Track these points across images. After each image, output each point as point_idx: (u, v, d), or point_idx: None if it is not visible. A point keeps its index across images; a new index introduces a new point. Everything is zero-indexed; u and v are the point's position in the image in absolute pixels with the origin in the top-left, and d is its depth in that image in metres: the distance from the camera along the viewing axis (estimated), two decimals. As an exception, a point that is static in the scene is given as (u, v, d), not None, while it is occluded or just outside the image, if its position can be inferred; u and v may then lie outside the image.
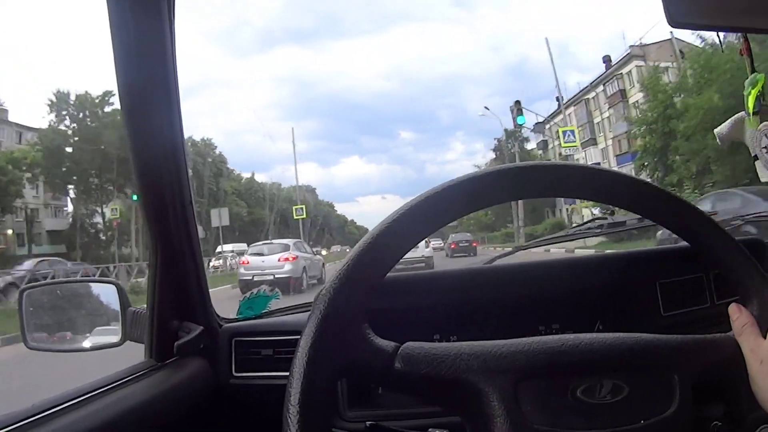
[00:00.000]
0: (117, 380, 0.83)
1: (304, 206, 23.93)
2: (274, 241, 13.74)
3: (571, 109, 30.45)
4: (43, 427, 0.65)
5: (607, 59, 28.39)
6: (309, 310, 0.99)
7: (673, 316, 0.99)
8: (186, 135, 1.00)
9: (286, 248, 12.23)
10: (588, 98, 30.31)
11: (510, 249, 1.28)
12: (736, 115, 1.22)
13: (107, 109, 27.32)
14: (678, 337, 0.61)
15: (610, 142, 28.37)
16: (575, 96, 31.11)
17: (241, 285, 11.26)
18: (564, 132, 20.73)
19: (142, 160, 0.91)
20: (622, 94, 26.58)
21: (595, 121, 29.89)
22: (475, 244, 20.32)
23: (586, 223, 1.33)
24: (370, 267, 0.59)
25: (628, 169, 23.25)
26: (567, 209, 26.18)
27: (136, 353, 0.98)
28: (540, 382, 0.57)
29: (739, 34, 1.02)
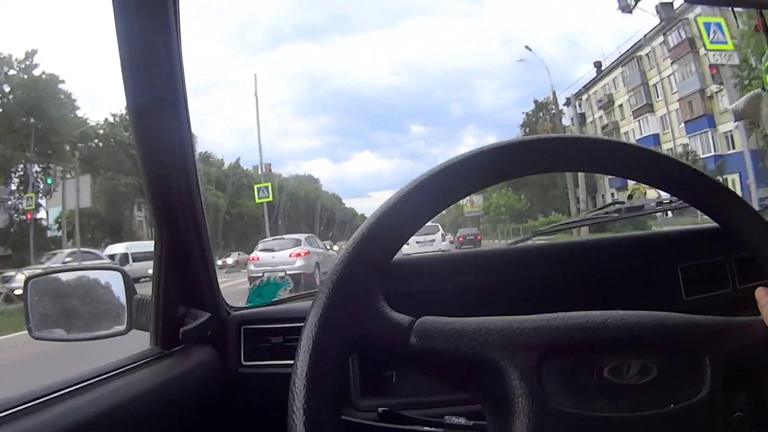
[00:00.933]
0: (120, 367, 0.81)
1: (269, 185, 18.81)
2: (285, 236, 13.44)
3: (617, 72, 25.99)
4: (44, 412, 0.63)
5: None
6: None
7: (695, 300, 0.97)
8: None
9: (298, 243, 11.90)
10: (640, 55, 23.97)
11: (525, 236, 1.24)
12: (752, 92, 1.18)
13: (35, 72, 22.66)
14: (708, 318, 0.58)
15: (675, 105, 22.14)
16: (623, 55, 25.15)
17: (251, 282, 10.72)
18: (707, 26, 14.48)
19: (146, 141, 0.88)
20: (691, 43, 19.84)
21: (651, 82, 23.87)
22: (479, 238, 21.18)
23: (604, 207, 1.29)
24: (384, 237, 0.55)
25: (707, 137, 19.66)
26: (613, 194, 23.24)
27: (144, 343, 0.96)
28: (565, 360, 0.53)
29: (755, 10, 0.99)
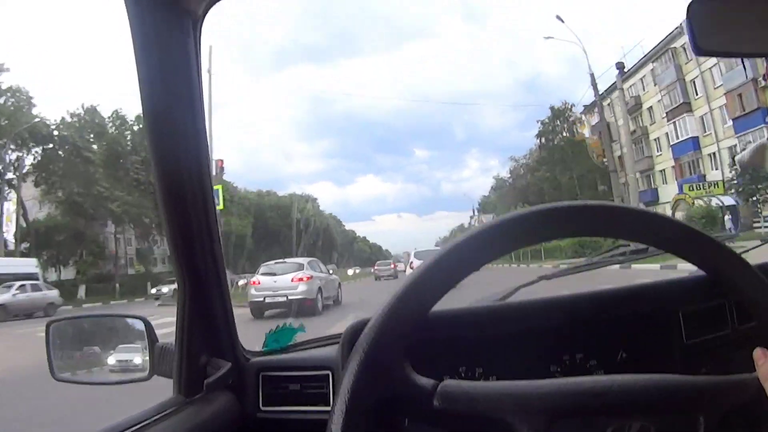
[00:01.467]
0: (147, 418, 0.84)
1: (220, 187, 15.87)
2: (287, 260, 13.26)
3: (645, 70, 24.36)
4: None
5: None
6: (336, 343, 1.01)
7: (694, 343, 0.99)
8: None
9: (300, 267, 11.65)
10: (675, 47, 21.16)
11: (533, 279, 1.27)
12: (758, 142, 1.22)
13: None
14: (704, 378, 0.63)
15: (720, 101, 19.32)
16: (655, 48, 22.61)
17: (252, 307, 10.71)
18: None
19: (170, 194, 0.91)
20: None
21: (689, 77, 21.29)
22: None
23: (610, 250, 1.32)
24: (412, 306, 0.62)
25: (761, 134, 16.14)
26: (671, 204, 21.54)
27: (161, 387, 0.99)
28: (572, 422, 0.59)
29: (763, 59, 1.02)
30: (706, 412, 0.59)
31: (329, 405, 0.98)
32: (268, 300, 10.92)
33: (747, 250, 1.25)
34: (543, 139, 34.41)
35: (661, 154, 26.07)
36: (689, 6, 0.95)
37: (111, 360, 1.05)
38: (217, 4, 0.89)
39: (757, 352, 0.62)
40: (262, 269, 12.32)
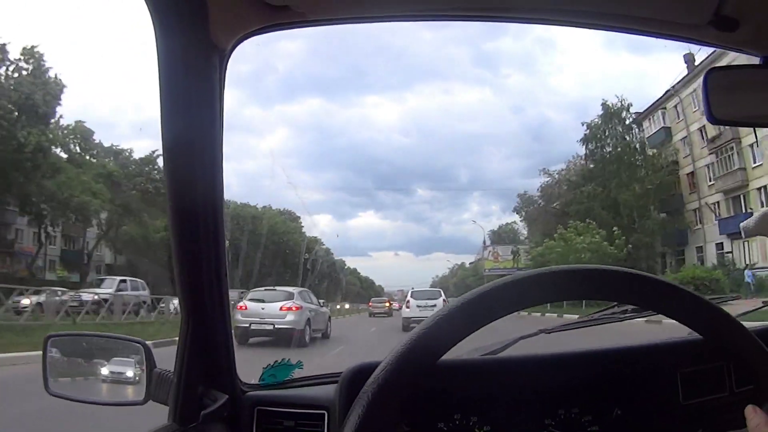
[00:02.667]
0: None
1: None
2: (277, 288, 13.09)
3: (726, 59, 18.67)
4: None
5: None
6: (332, 382, 1.01)
7: (691, 405, 0.99)
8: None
9: (290, 297, 11.51)
10: None
11: (533, 332, 1.27)
12: (763, 210, 1.25)
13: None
14: None
15: None
16: None
17: (237, 333, 10.25)
18: None
19: (182, 223, 0.92)
20: None
21: None
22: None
23: (610, 308, 1.32)
24: (422, 355, 0.63)
25: None
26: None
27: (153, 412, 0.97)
28: None
29: None
30: None
31: None
32: (254, 327, 10.70)
33: (745, 313, 1.27)
34: (590, 145, 26.67)
35: (761, 165, 20.30)
36: (706, 75, 0.99)
37: (104, 371, 1.04)
38: (247, 40, 0.92)
39: (749, 409, 0.64)
40: (250, 295, 12.15)
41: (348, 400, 0.76)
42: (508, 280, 0.67)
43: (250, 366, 1.23)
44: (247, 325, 10.71)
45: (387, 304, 24.00)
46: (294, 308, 11.16)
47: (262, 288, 13.07)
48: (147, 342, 1.02)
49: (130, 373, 1.02)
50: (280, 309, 11.08)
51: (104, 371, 1.04)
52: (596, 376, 1.00)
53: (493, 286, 0.66)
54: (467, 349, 1.12)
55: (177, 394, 0.94)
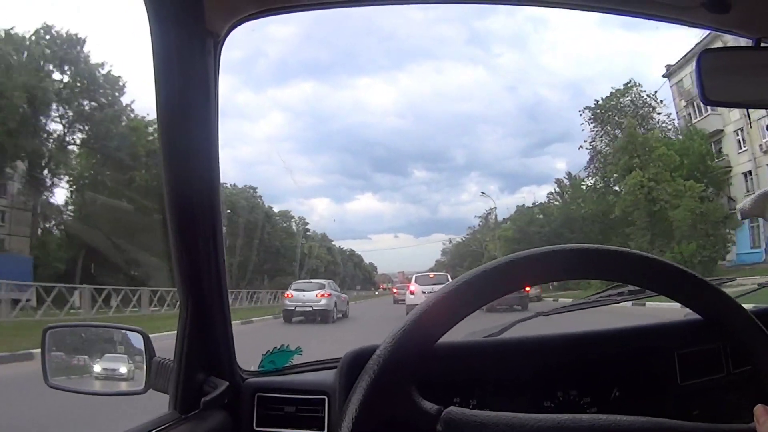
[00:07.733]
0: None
1: None
2: (312, 280, 15.59)
3: None
4: None
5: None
6: (332, 367, 0.98)
7: (689, 385, 0.96)
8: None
9: (323, 287, 14.02)
10: None
11: (531, 314, 1.21)
12: (759, 191, 1.18)
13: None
14: (704, 426, 0.61)
15: None
16: None
17: (284, 314, 13.18)
18: None
19: (179, 210, 0.87)
20: None
21: None
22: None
23: (608, 290, 1.26)
24: (421, 335, 0.60)
25: None
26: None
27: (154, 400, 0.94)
28: None
29: None
30: None
31: (324, 430, 0.92)
32: (298, 309, 13.21)
33: (745, 294, 1.19)
34: (597, 128, 20.97)
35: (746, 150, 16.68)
36: (699, 56, 0.93)
37: (97, 368, 0.99)
38: (241, 25, 0.87)
39: (758, 410, 0.58)
40: (293, 285, 14.58)
41: (348, 383, 0.73)
42: (503, 260, 0.64)
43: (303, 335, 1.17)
44: (293, 308, 13.18)
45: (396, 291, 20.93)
46: (326, 295, 13.57)
47: (302, 281, 15.39)
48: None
49: (123, 370, 0.96)
50: (316, 296, 13.35)
51: (97, 368, 0.99)
52: (594, 357, 0.96)
53: (492, 266, 0.63)
54: (464, 332, 1.06)
55: (177, 383, 0.90)
